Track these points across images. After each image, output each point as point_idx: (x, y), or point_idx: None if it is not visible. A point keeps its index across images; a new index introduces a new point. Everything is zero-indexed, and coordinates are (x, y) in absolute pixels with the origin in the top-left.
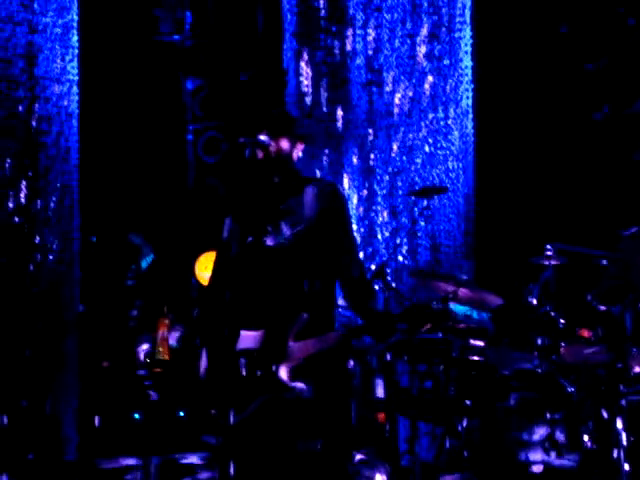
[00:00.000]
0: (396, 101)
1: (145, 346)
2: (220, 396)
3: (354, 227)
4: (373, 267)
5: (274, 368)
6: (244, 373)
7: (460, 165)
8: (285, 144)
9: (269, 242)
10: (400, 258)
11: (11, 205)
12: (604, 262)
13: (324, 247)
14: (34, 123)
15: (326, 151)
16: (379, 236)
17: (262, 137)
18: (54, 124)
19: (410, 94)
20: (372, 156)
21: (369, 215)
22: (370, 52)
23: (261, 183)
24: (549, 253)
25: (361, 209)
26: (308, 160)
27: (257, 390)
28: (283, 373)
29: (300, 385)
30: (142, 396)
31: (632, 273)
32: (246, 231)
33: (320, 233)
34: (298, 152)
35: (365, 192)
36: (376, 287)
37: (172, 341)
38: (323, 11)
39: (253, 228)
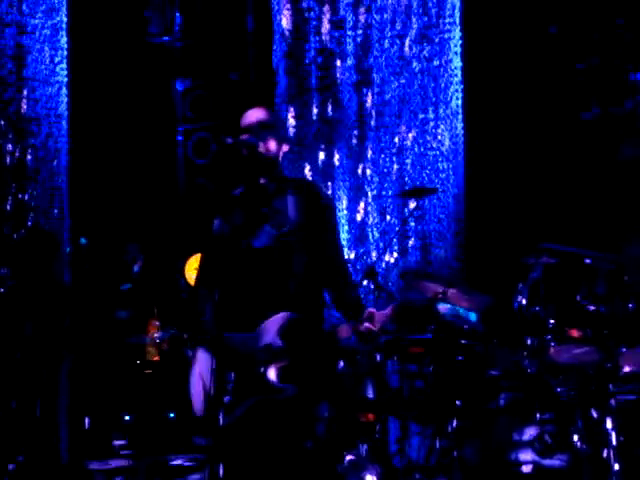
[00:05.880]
0: (385, 102)
1: None
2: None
3: (345, 228)
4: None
5: (262, 369)
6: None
7: (450, 166)
8: (272, 145)
9: (256, 244)
10: (390, 259)
11: None
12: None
13: (310, 249)
14: (23, 124)
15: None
16: (370, 237)
17: (249, 138)
18: (43, 126)
19: (400, 95)
20: (362, 157)
21: (359, 216)
22: (360, 53)
23: (248, 184)
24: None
25: (351, 209)
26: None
27: (246, 391)
28: (271, 374)
29: (289, 386)
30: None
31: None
32: (234, 232)
33: (306, 235)
34: (282, 153)
35: (355, 193)
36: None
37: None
38: (312, 13)
39: (241, 229)
